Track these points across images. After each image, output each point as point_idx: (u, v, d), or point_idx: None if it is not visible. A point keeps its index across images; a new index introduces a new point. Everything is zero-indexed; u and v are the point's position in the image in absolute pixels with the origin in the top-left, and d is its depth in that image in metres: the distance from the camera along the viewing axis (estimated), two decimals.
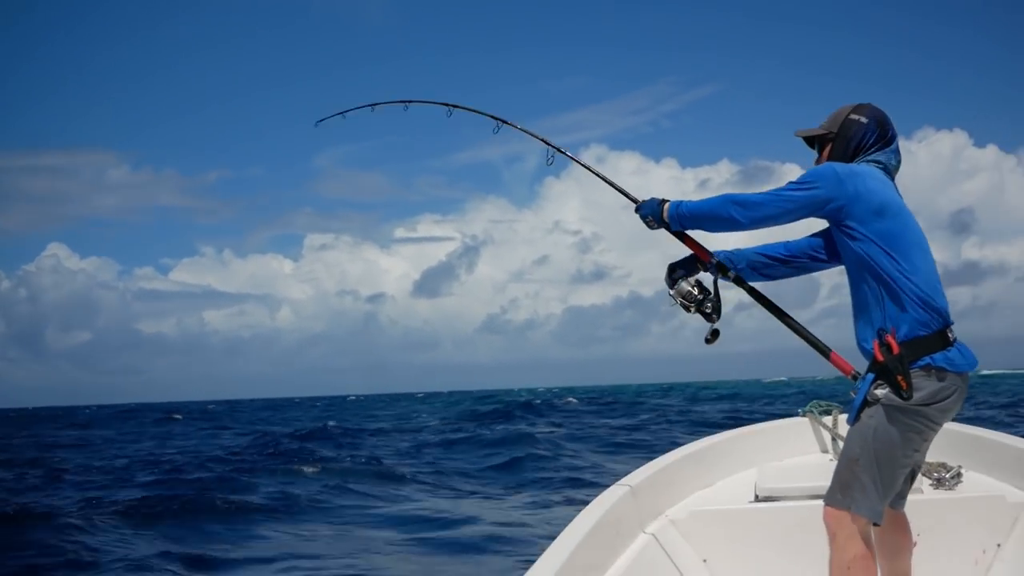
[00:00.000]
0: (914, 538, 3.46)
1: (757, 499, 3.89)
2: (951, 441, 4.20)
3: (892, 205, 2.68)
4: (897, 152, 2.80)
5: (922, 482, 3.85)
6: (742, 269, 3.04)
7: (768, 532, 3.63)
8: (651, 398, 50.71)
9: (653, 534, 3.63)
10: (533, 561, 2.80)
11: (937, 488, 3.86)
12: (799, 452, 4.63)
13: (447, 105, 3.86)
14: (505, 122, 3.69)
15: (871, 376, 2.62)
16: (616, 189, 3.31)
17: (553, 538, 3.03)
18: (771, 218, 2.76)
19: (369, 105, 4.22)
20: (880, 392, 2.59)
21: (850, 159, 2.76)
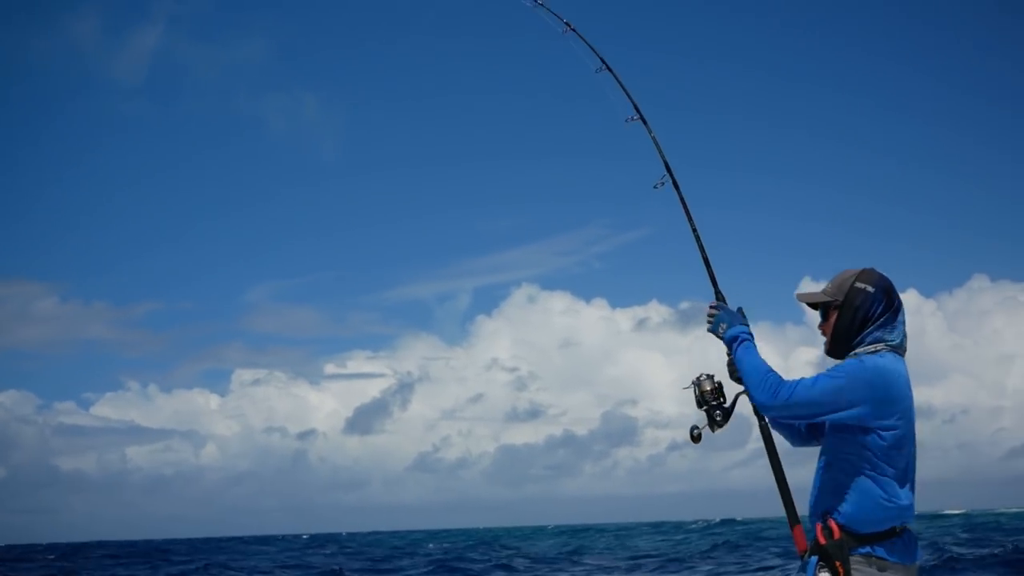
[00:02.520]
0: None
1: None
2: None
3: (907, 413, 2.67)
4: (903, 323, 2.78)
5: None
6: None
7: None
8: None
9: None
10: None
11: None
12: None
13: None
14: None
15: (814, 559, 2.65)
16: (709, 268, 3.29)
17: None
18: (793, 416, 2.80)
19: None
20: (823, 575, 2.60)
21: (858, 329, 2.73)
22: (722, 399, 3.00)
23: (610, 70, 3.72)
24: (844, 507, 2.63)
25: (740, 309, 3.01)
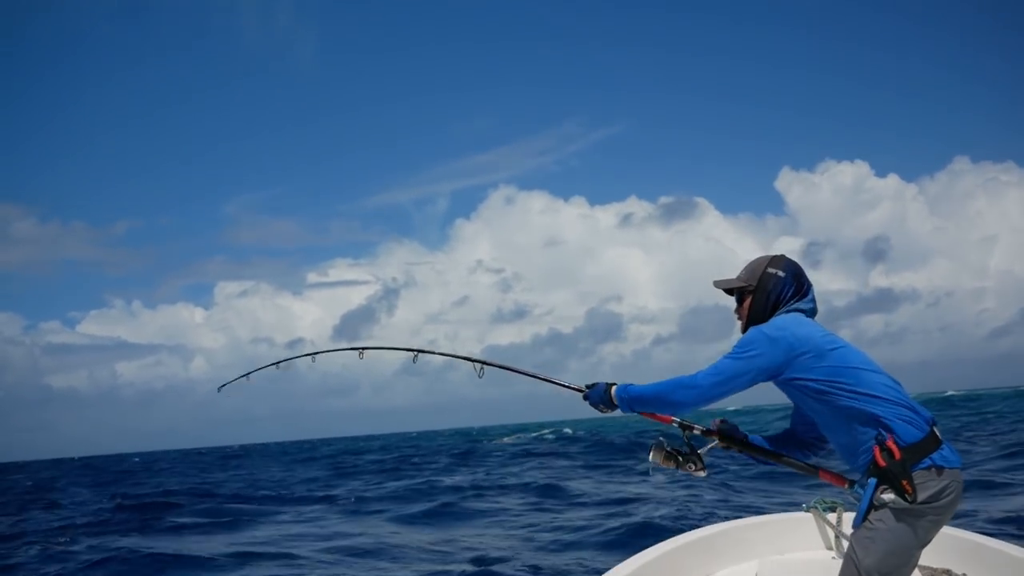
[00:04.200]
0: None
1: None
2: (956, 547, 4.15)
3: (825, 343, 2.79)
4: (813, 299, 2.96)
5: None
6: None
7: None
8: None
9: None
10: None
11: None
12: (802, 548, 4.57)
13: (356, 348, 3.97)
14: (421, 351, 3.79)
15: (874, 481, 2.68)
16: (558, 384, 3.34)
17: None
18: (720, 394, 2.85)
19: (273, 364, 4.30)
20: (887, 497, 2.65)
21: (770, 311, 2.91)
22: (681, 450, 3.06)
23: None
24: (883, 430, 2.68)
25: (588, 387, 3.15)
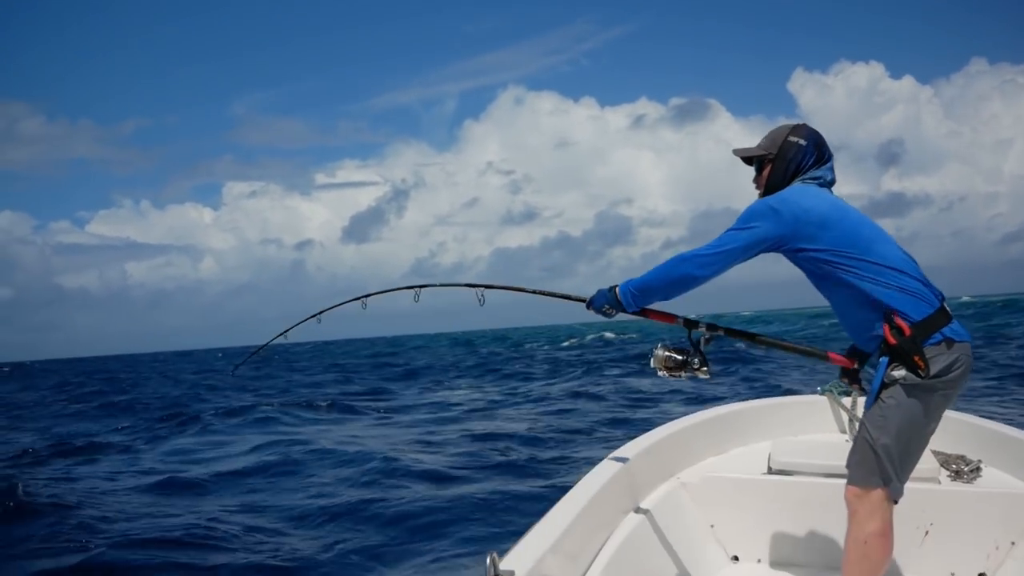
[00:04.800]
0: (926, 527, 3.43)
1: (770, 471, 3.86)
2: (972, 434, 4.14)
3: (833, 213, 2.74)
4: (832, 169, 2.90)
5: (940, 473, 3.80)
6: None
7: (778, 505, 3.61)
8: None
9: (664, 494, 3.61)
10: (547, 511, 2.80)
11: (955, 480, 3.81)
12: (815, 429, 4.58)
13: (359, 299, 3.79)
14: (424, 286, 3.59)
15: (885, 359, 2.68)
16: (560, 296, 3.27)
17: (567, 490, 3.04)
18: (724, 265, 2.80)
19: (315, 316, 3.96)
20: (898, 373, 2.65)
21: (788, 179, 2.86)
22: (687, 351, 2.98)
23: None
24: (892, 306, 2.65)
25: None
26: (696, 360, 2.97)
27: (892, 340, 2.64)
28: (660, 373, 3.02)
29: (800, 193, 2.79)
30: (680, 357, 2.99)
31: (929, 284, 2.73)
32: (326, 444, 11.06)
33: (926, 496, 3.44)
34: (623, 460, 3.44)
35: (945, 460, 3.97)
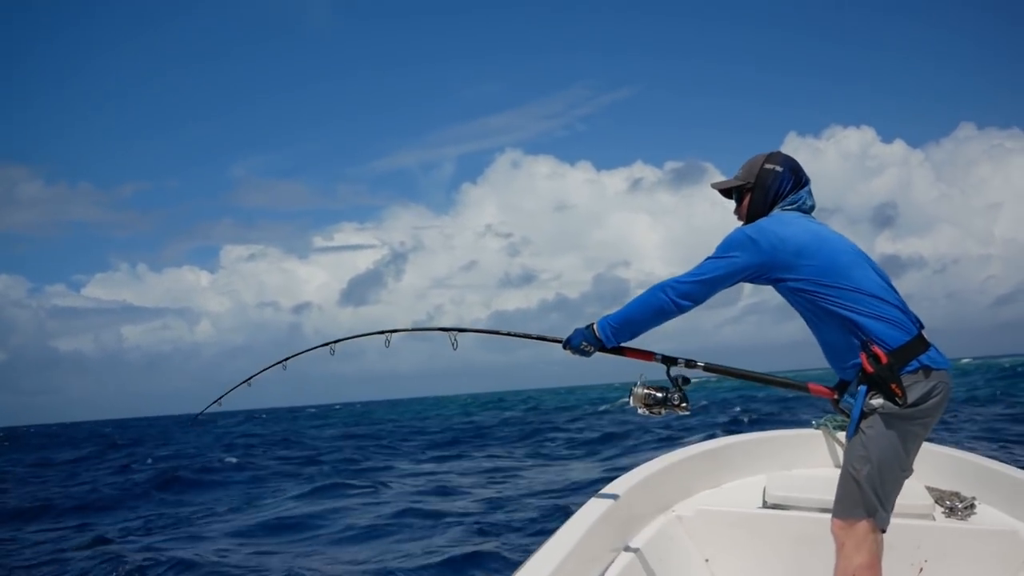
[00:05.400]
0: (921, 564, 3.41)
1: (765, 505, 3.85)
2: (966, 471, 4.14)
3: (811, 241, 2.75)
4: (811, 194, 2.93)
5: (935, 509, 3.80)
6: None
7: (773, 539, 3.60)
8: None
9: (658, 528, 3.60)
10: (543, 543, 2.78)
11: (949, 517, 3.81)
12: (810, 464, 4.58)
13: (327, 344, 3.71)
14: (395, 331, 3.53)
15: (863, 388, 2.67)
16: (535, 338, 3.19)
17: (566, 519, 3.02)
18: (704, 294, 2.80)
19: (245, 382, 3.95)
20: (876, 402, 2.65)
21: (769, 206, 2.88)
22: (666, 388, 2.95)
23: None
24: (870, 336, 2.65)
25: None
26: (676, 396, 2.95)
27: (869, 368, 2.64)
28: (640, 411, 3.00)
29: (778, 222, 2.80)
30: (660, 394, 2.97)
31: (907, 311, 2.73)
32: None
33: (921, 533, 3.43)
34: (615, 495, 3.43)
35: (939, 496, 3.96)
